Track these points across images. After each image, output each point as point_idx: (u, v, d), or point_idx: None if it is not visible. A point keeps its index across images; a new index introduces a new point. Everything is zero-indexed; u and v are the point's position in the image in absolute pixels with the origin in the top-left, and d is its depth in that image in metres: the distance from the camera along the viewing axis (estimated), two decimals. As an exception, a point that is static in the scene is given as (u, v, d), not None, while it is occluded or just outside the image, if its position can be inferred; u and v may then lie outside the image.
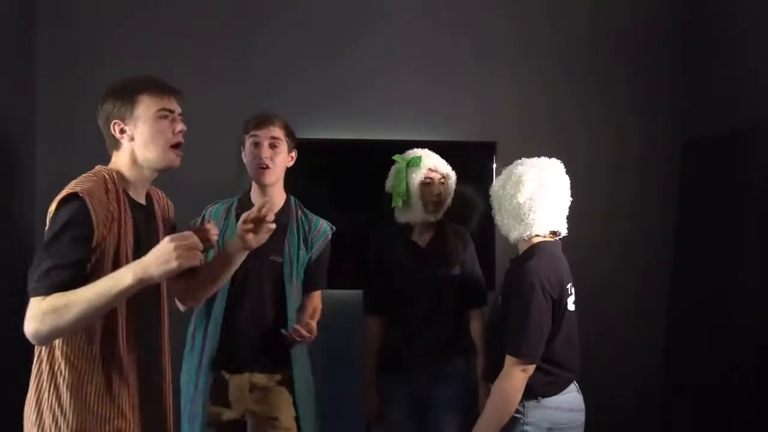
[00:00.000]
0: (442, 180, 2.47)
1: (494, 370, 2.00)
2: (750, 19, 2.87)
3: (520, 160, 2.10)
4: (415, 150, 2.51)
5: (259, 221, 1.86)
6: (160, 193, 1.88)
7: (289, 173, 2.37)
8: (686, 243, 3.22)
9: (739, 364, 2.75)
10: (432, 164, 2.45)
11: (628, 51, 3.28)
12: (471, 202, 3.11)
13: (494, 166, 3.10)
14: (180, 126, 1.68)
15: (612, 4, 3.28)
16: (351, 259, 2.88)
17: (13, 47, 2.98)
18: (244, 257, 1.94)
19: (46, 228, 1.53)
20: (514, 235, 2.07)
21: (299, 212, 2.36)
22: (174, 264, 1.44)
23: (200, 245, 1.50)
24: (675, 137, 3.26)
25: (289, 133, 2.30)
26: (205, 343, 2.23)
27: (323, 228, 2.36)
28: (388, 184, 2.52)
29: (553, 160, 2.08)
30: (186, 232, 1.52)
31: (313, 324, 2.22)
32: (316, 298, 2.40)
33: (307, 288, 2.35)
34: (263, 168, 2.23)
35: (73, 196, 1.52)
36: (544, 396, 1.96)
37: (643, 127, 3.27)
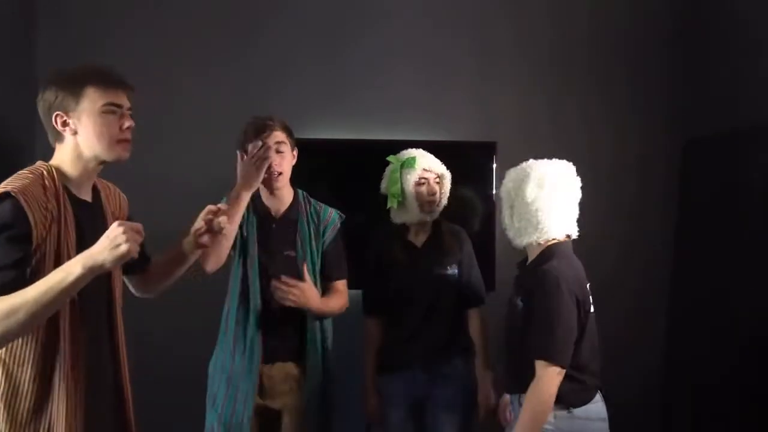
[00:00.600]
0: (437, 180, 2.46)
1: (520, 379, 1.92)
2: (750, 19, 2.87)
3: (529, 162, 2.03)
4: (409, 150, 2.50)
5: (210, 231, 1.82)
6: (111, 187, 1.80)
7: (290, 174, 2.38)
8: (686, 243, 3.22)
9: (739, 364, 2.75)
10: (426, 164, 2.45)
11: (628, 51, 3.28)
12: (471, 202, 3.12)
13: (494, 166, 3.10)
14: (128, 122, 1.60)
15: (612, 4, 3.28)
16: (351, 259, 2.88)
17: (13, 47, 2.99)
18: (196, 257, 1.92)
19: None
20: (527, 240, 1.99)
21: (308, 205, 2.39)
22: (124, 248, 1.37)
23: (142, 231, 1.44)
24: (675, 137, 3.26)
25: (290, 133, 2.32)
26: (247, 333, 2.27)
27: (332, 217, 2.40)
28: (383, 185, 2.53)
29: (563, 161, 2.04)
30: (133, 223, 1.45)
31: (309, 289, 2.20)
32: (338, 289, 2.39)
33: (327, 278, 2.38)
34: (276, 175, 2.26)
35: (4, 196, 1.43)
36: (575, 406, 1.90)
37: (643, 127, 3.27)
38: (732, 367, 2.79)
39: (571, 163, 2.04)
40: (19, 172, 1.53)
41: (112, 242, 1.38)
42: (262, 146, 2.16)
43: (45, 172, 1.53)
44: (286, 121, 2.34)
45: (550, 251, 1.98)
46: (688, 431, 3.10)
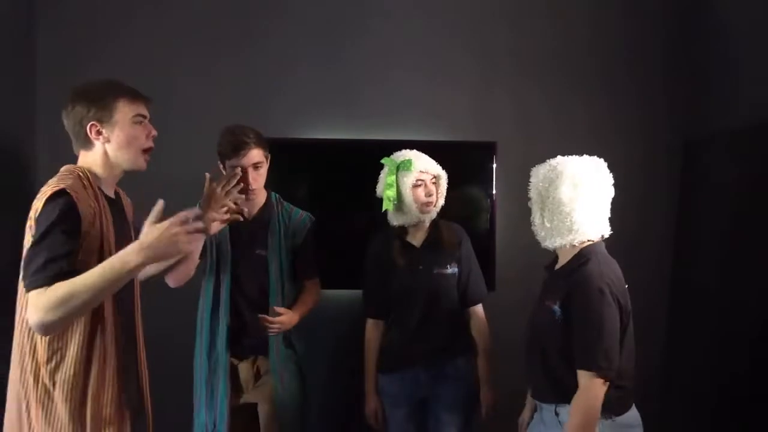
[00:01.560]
0: (434, 181, 2.46)
1: (558, 388, 1.86)
2: (750, 19, 2.87)
3: (558, 159, 1.94)
4: (404, 152, 2.48)
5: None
6: (120, 190, 1.95)
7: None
8: (686, 243, 3.22)
9: (739, 364, 2.75)
10: (422, 166, 2.43)
11: (628, 51, 3.27)
12: (471, 202, 3.12)
13: (494, 166, 3.10)
14: (153, 131, 1.80)
15: (612, 4, 3.28)
16: (350, 259, 2.88)
17: (13, 47, 2.98)
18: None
19: (33, 225, 1.59)
20: (560, 242, 1.91)
21: (280, 206, 2.48)
22: (179, 247, 1.56)
23: (201, 227, 1.60)
24: (675, 137, 3.26)
25: (265, 145, 2.37)
26: (214, 328, 2.36)
27: (302, 218, 2.49)
28: (379, 188, 2.50)
29: (594, 157, 1.95)
30: (185, 214, 1.59)
31: (283, 312, 2.31)
32: (310, 289, 2.51)
33: (299, 277, 2.49)
34: (252, 191, 2.34)
35: (61, 193, 1.58)
36: (618, 414, 1.84)
37: (643, 127, 3.26)
38: (732, 367, 2.79)
39: (602, 159, 1.96)
40: (59, 174, 1.69)
41: (172, 238, 1.55)
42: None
43: (80, 174, 1.69)
44: (260, 133, 2.37)
45: (586, 253, 1.90)
46: (687, 430, 3.10)
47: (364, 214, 3.05)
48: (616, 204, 3.22)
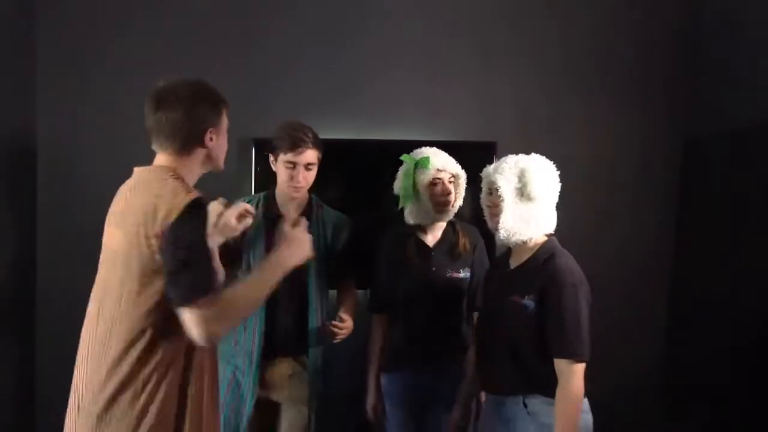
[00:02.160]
0: (452, 180, 2.40)
1: (530, 380, 1.93)
2: (750, 19, 2.87)
3: (519, 157, 2.03)
4: (423, 149, 2.43)
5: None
6: None
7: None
8: (686, 243, 3.22)
9: (739, 363, 2.76)
10: (440, 164, 2.37)
11: (628, 51, 3.27)
12: (470, 202, 3.11)
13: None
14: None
15: (612, 4, 3.28)
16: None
17: (13, 47, 2.99)
18: None
19: (181, 233, 1.51)
20: (526, 237, 1.98)
21: (320, 209, 2.46)
22: (305, 253, 1.73)
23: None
24: (675, 137, 3.27)
25: (320, 148, 2.39)
26: (251, 330, 2.34)
27: (343, 222, 2.48)
28: (397, 185, 2.46)
29: (539, 155, 2.06)
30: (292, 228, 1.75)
31: (347, 318, 2.33)
32: (350, 291, 2.50)
33: (335, 278, 2.47)
34: (298, 189, 2.35)
35: (200, 201, 1.56)
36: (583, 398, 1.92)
37: (643, 127, 3.27)
38: (732, 367, 2.79)
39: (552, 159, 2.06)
40: (177, 181, 1.62)
41: (301, 247, 1.73)
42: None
43: (182, 179, 1.66)
44: (317, 135, 2.39)
45: (550, 247, 1.98)
46: (687, 430, 3.10)
47: (364, 214, 3.05)
48: (616, 204, 3.26)
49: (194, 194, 1.56)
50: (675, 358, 3.24)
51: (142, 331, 1.54)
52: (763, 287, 2.62)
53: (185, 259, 1.49)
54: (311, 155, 2.33)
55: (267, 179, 2.46)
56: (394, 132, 3.16)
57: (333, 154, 3.12)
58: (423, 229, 2.45)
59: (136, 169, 1.71)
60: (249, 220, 2.18)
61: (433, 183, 2.36)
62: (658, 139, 3.27)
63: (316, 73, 3.21)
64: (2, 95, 2.89)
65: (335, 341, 2.35)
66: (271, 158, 2.39)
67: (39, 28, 3.14)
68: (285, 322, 2.35)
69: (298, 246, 1.72)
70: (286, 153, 2.31)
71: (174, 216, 1.51)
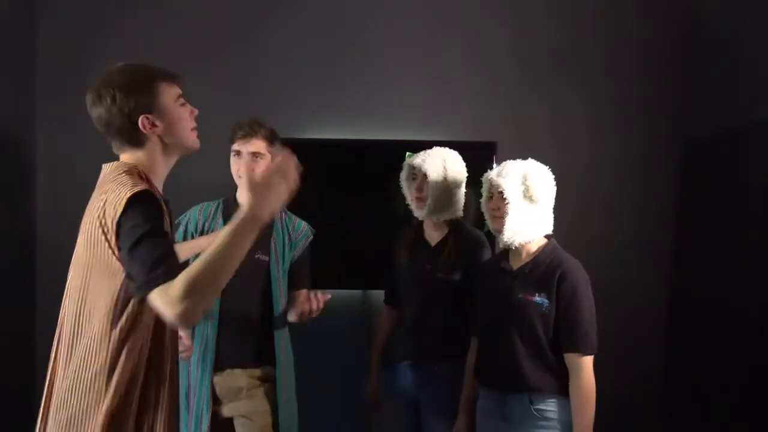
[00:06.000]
0: (425, 178, 2.39)
1: (540, 377, 1.99)
2: (750, 19, 2.87)
3: (517, 162, 2.10)
4: (426, 150, 2.45)
5: None
6: None
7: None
8: (686, 242, 3.22)
9: (739, 363, 2.75)
10: (415, 162, 2.40)
11: (628, 51, 3.27)
12: (470, 202, 3.11)
13: (494, 166, 3.09)
14: (195, 110, 1.65)
15: (612, 4, 3.28)
16: (348, 259, 2.88)
17: (13, 47, 2.99)
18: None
19: (114, 228, 1.43)
20: (529, 238, 2.06)
21: (283, 214, 2.41)
22: (282, 195, 1.44)
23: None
24: (675, 137, 3.26)
25: (273, 143, 2.32)
26: (203, 340, 2.27)
27: (304, 230, 2.43)
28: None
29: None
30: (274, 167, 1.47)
31: (314, 300, 2.21)
32: (303, 296, 2.36)
33: (293, 287, 2.38)
34: (240, 178, 2.29)
35: (144, 193, 1.45)
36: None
37: (643, 127, 3.27)
38: (732, 367, 2.79)
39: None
40: (122, 176, 1.50)
41: (278, 191, 1.44)
42: None
43: (140, 174, 1.53)
44: (272, 129, 2.33)
45: (553, 247, 2.08)
46: (687, 429, 3.10)
47: (362, 214, 3.06)
48: (616, 204, 3.26)
49: (139, 187, 1.45)
50: (675, 357, 3.24)
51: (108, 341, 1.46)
52: (762, 287, 2.62)
53: (137, 247, 1.40)
54: (257, 144, 2.27)
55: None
56: (394, 132, 3.16)
57: (333, 154, 3.14)
58: (429, 226, 2.48)
59: (102, 166, 1.62)
60: None
61: (411, 179, 2.44)
62: (658, 139, 3.27)
63: (315, 73, 3.21)
64: (2, 95, 2.88)
65: (311, 316, 2.22)
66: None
67: (39, 28, 3.14)
68: (239, 331, 2.27)
69: (270, 187, 1.44)
70: (233, 143, 2.30)
71: (119, 212, 1.43)
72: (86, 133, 3.12)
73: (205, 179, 2.82)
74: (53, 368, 1.56)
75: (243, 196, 2.34)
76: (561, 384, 1.97)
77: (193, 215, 2.40)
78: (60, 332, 1.57)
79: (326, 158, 3.12)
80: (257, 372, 2.29)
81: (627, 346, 3.19)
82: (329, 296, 2.21)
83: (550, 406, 1.98)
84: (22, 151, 3.09)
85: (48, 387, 1.55)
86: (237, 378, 2.27)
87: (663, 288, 3.29)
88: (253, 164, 2.27)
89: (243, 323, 2.27)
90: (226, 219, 2.32)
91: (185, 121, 1.61)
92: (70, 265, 1.58)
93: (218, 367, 2.26)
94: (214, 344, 2.25)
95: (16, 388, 3.04)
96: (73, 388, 1.48)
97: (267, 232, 2.32)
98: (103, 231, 1.45)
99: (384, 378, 2.55)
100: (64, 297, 1.59)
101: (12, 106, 2.99)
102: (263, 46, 3.20)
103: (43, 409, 1.54)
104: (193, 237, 2.35)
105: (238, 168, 2.29)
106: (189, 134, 1.62)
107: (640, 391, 3.26)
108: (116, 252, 1.45)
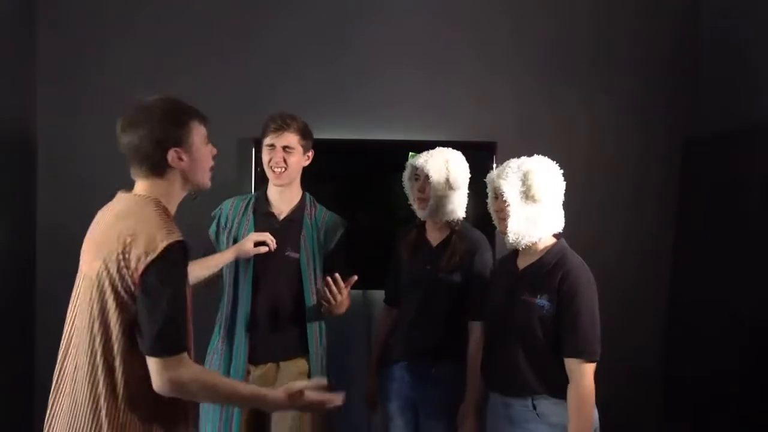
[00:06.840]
0: (427, 179, 2.39)
1: (532, 381, 1.95)
2: (750, 19, 2.87)
3: (521, 160, 2.04)
4: (429, 151, 2.45)
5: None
6: None
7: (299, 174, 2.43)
8: (686, 242, 3.22)
9: (739, 363, 2.76)
10: (417, 163, 2.40)
11: (628, 51, 3.28)
12: (470, 202, 3.11)
13: (494, 166, 3.10)
14: (215, 150, 1.73)
15: (612, 3, 3.28)
16: (347, 258, 2.87)
17: (13, 48, 2.98)
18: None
19: (156, 280, 1.44)
20: (536, 238, 2.00)
21: (314, 209, 2.44)
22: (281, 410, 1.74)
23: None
24: (675, 137, 3.26)
25: (305, 137, 2.37)
26: (233, 335, 2.30)
27: (337, 223, 2.45)
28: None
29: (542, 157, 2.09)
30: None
31: (345, 293, 2.23)
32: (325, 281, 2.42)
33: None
34: (276, 172, 2.33)
35: (181, 245, 1.48)
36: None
37: (643, 127, 3.27)
38: (732, 366, 2.79)
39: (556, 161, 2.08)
40: (155, 212, 1.54)
41: (310, 407, 1.67)
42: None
43: (163, 211, 1.57)
44: (304, 123, 2.38)
45: (561, 248, 2.02)
46: (687, 429, 3.10)
47: (361, 214, 3.06)
48: (616, 204, 3.26)
49: (175, 235, 1.47)
50: (675, 357, 3.24)
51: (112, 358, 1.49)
52: (762, 287, 2.62)
53: (155, 309, 1.42)
54: (290, 138, 2.32)
55: (267, 179, 2.46)
56: (394, 132, 3.16)
57: (333, 154, 3.14)
58: (430, 227, 2.48)
59: (118, 194, 1.64)
60: (264, 249, 2.24)
61: (413, 179, 2.43)
62: (658, 139, 3.27)
63: (315, 73, 3.20)
64: (2, 95, 2.88)
65: (329, 310, 2.25)
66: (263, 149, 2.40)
67: (39, 28, 3.13)
68: (271, 325, 2.30)
69: (279, 407, 1.64)
70: (266, 136, 2.33)
71: (150, 259, 1.43)
72: (86, 132, 3.15)
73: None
74: (60, 374, 1.63)
75: (273, 192, 2.41)
76: (565, 388, 1.91)
77: (225, 209, 2.45)
78: (69, 340, 1.62)
79: (326, 158, 3.12)
80: (291, 365, 2.33)
81: (627, 346, 3.19)
82: (355, 278, 2.22)
83: (553, 410, 1.93)
84: (22, 150, 3.08)
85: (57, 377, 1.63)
86: (271, 372, 2.32)
87: (663, 287, 3.29)
88: (287, 157, 2.32)
89: (275, 318, 2.31)
90: (257, 214, 2.39)
91: (207, 161, 1.69)
92: (76, 286, 1.62)
93: (252, 361, 2.30)
94: (247, 340, 2.28)
95: (17, 388, 3.04)
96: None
97: (296, 229, 2.37)
98: (125, 265, 1.46)
99: (383, 378, 2.53)
100: (70, 310, 1.64)
101: (12, 106, 2.99)
102: (263, 46, 3.20)
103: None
104: (225, 229, 2.40)
105: (269, 159, 2.33)
106: (206, 174, 1.70)
107: (640, 391, 3.26)
108: (131, 289, 1.46)
